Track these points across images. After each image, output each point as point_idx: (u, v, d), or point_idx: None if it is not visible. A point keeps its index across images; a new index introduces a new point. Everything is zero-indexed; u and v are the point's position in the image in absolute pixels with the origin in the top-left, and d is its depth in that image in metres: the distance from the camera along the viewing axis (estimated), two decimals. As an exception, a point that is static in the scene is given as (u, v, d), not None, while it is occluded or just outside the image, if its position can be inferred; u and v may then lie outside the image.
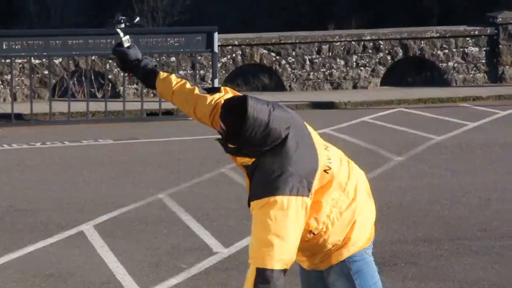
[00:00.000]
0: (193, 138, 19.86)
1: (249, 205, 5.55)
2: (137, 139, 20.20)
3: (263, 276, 5.33)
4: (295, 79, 27.28)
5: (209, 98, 5.98)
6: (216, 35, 23.34)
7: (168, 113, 23.35)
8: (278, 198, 5.33)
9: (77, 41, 23.59)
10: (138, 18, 6.64)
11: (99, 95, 25.01)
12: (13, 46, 22.99)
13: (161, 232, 11.99)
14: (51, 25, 36.65)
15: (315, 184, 5.50)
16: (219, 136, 5.60)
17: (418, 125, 20.83)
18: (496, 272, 10.01)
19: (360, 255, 5.79)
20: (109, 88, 25.28)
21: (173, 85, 6.20)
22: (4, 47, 22.78)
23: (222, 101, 5.75)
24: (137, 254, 10.97)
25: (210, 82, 24.04)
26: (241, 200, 13.57)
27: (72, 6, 40.57)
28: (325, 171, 5.57)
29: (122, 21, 6.42)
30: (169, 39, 23.55)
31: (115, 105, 23.83)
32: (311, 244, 5.68)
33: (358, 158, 6.03)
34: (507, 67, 28.19)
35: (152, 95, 24.32)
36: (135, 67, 6.34)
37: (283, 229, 5.34)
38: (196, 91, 6.10)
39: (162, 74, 6.27)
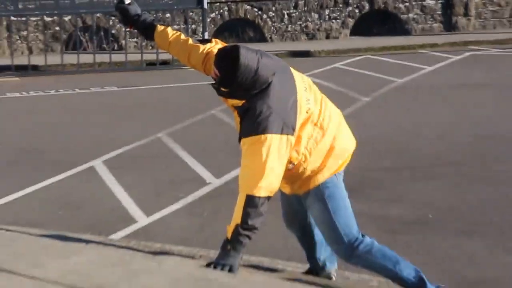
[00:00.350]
0: (186, 85, 19.87)
1: (239, 142, 5.68)
2: (138, 86, 20.21)
3: (251, 202, 5.49)
4: (275, 31, 27.30)
5: (201, 47, 6.07)
6: (205, -7, 23.31)
7: (164, 63, 23.36)
8: (268, 136, 5.45)
9: (83, 0, 23.50)
10: None
11: (107, 46, 24.93)
12: (28, 6, 22.90)
13: (161, 166, 12.05)
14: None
15: (298, 123, 5.61)
16: (212, 82, 5.71)
17: (382, 69, 20.86)
18: (446, 193, 10.11)
19: (332, 182, 5.87)
20: (113, 42, 25.29)
21: (169, 36, 6.24)
22: (20, 6, 22.68)
23: (214, 50, 5.89)
24: (141, 185, 11.00)
25: (201, 35, 24.01)
26: (229, 138, 13.63)
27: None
28: (306, 112, 5.67)
29: None
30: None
31: (118, 57, 23.81)
32: (292, 173, 5.78)
33: (331, 99, 6.09)
34: (459, 17, 28.18)
35: (150, 47, 24.32)
36: (135, 21, 6.36)
37: (270, 162, 5.45)
38: (190, 41, 6.16)
39: (160, 27, 6.31)
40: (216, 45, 6.06)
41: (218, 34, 26.43)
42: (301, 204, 6.09)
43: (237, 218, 5.59)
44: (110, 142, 13.54)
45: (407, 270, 6.02)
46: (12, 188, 10.95)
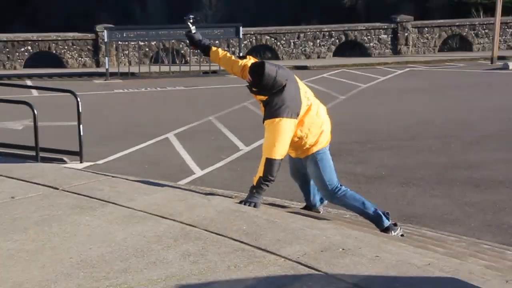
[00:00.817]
0: (228, 86, 19.83)
1: (263, 123, 5.81)
2: (197, 86, 20.15)
3: (269, 162, 5.69)
4: (285, 53, 27.17)
5: (240, 62, 6.24)
6: (241, 28, 23.24)
7: (214, 72, 23.31)
8: (281, 119, 5.63)
9: (163, 32, 23.51)
10: (199, 17, 6.87)
11: (177, 61, 24.96)
12: (129, 35, 23.01)
13: (210, 138, 12.00)
14: (149, 23, 36.31)
15: (301, 112, 5.76)
16: (247, 84, 5.86)
17: (353, 78, 20.72)
18: (393, 158, 10.05)
19: (322, 151, 5.99)
20: (182, 58, 25.28)
21: (219, 54, 6.40)
22: (124, 35, 22.85)
23: (248, 64, 6.05)
24: (198, 150, 10.97)
25: (237, 55, 23.91)
26: (254, 120, 13.60)
27: (161, 12, 40.18)
28: (307, 105, 5.82)
29: (190, 18, 6.69)
30: (215, 30, 23.40)
31: (184, 68, 23.77)
32: (297, 144, 5.91)
33: (320, 97, 6.09)
34: (402, 46, 28.03)
35: (205, 62, 24.23)
36: (198, 44, 6.57)
37: (282, 136, 5.64)
38: (233, 58, 6.32)
39: (213, 48, 6.50)
40: (249, 60, 6.20)
41: (248, 54, 26.35)
42: (302, 163, 6.16)
43: (260, 172, 5.76)
44: (179, 121, 13.48)
45: (370, 208, 6.05)
46: (116, 150, 10.99)
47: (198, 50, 6.80)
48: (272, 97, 5.71)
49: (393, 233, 5.95)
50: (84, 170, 7.92)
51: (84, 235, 4.79)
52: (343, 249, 4.48)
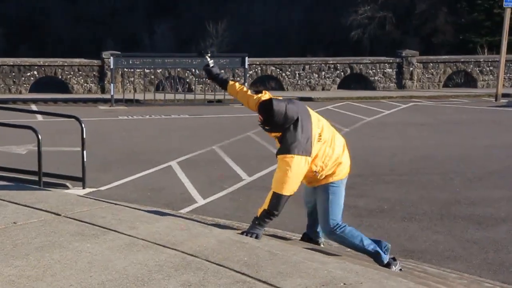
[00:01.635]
0: (232, 115, 19.89)
1: (276, 157, 5.77)
2: (201, 115, 20.18)
3: (277, 197, 5.66)
4: (290, 84, 27.26)
5: (255, 96, 6.16)
6: (246, 58, 23.38)
7: (219, 101, 23.41)
8: (292, 156, 5.59)
9: (169, 60, 23.70)
10: (214, 51, 6.94)
11: (181, 89, 25.08)
12: (135, 62, 23.14)
13: (213, 167, 12.01)
14: (155, 51, 36.59)
15: (314, 150, 5.70)
16: (259, 123, 5.84)
17: (357, 111, 20.77)
18: (395, 192, 10.01)
19: (337, 184, 5.95)
20: (187, 86, 25.38)
21: (237, 88, 6.37)
22: (130, 62, 23.02)
23: (263, 99, 5.96)
24: (200, 178, 10.97)
25: (254, 90, 24.03)
26: (258, 149, 13.67)
27: (168, 40, 40.50)
28: (318, 140, 5.76)
29: (208, 51, 6.74)
30: (221, 60, 23.53)
31: (189, 96, 23.86)
32: (313, 176, 5.87)
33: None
34: (407, 80, 28.11)
35: (210, 90, 24.33)
36: (215, 78, 6.56)
37: (293, 173, 5.59)
38: (249, 92, 6.26)
39: (231, 82, 6.46)
40: (264, 95, 6.11)
41: (253, 84, 26.47)
42: (315, 192, 6.12)
43: (265, 205, 5.72)
44: (182, 150, 13.49)
45: (368, 246, 6.02)
46: (119, 177, 11.00)
47: (215, 83, 6.79)
48: (285, 133, 5.67)
49: (393, 268, 5.92)
50: (86, 197, 7.93)
51: (85, 262, 4.78)
52: (344, 284, 4.47)
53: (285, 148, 5.64)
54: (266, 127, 5.76)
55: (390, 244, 6.17)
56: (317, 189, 6.00)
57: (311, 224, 6.48)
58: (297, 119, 5.65)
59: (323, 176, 5.86)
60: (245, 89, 6.32)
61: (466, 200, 9.60)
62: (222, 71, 6.66)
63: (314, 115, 5.94)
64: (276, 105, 5.62)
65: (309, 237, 6.53)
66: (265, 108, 5.68)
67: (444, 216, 8.80)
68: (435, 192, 10.14)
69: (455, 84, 29.30)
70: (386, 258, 5.97)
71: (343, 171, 5.95)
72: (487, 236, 7.93)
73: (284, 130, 5.66)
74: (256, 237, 5.71)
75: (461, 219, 8.65)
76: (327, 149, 5.81)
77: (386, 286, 4.54)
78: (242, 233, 5.81)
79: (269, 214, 5.71)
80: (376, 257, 5.98)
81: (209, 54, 6.68)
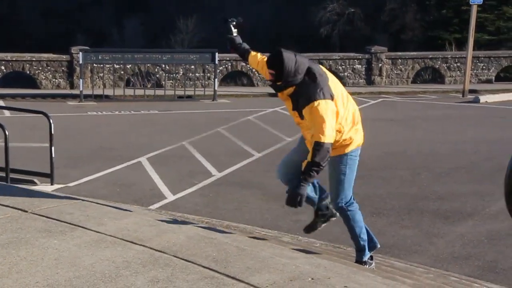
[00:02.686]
0: (202, 111, 19.86)
1: (300, 113, 5.40)
2: (171, 110, 20.11)
3: (318, 145, 5.20)
4: (260, 80, 27.26)
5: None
6: (216, 54, 23.27)
7: (189, 97, 23.37)
8: (318, 101, 5.22)
9: (139, 55, 23.58)
10: (241, 20, 6.46)
11: (149, 85, 24.96)
12: (104, 57, 22.99)
13: (183, 163, 11.98)
14: (125, 46, 36.33)
15: (335, 93, 5.38)
16: (270, 83, 5.54)
17: (327, 107, 20.83)
18: (364, 188, 10.04)
19: (356, 153, 5.68)
20: (155, 82, 25.26)
21: (258, 59, 6.14)
22: (99, 57, 22.83)
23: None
24: (170, 174, 10.94)
25: (212, 81, 23.96)
26: (228, 145, 13.65)
27: (138, 35, 40.25)
28: (339, 95, 5.44)
29: (234, 20, 6.38)
30: (191, 55, 23.47)
31: (159, 92, 23.77)
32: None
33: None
34: (376, 76, 28.35)
35: (180, 86, 24.27)
36: (238, 48, 6.31)
37: (325, 119, 5.21)
38: (265, 59, 5.90)
39: (253, 52, 6.27)
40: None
41: (224, 80, 26.45)
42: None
43: (309, 157, 5.28)
44: (152, 145, 13.44)
45: (363, 238, 5.87)
46: (88, 173, 10.92)
47: (236, 53, 6.46)
48: (300, 85, 5.35)
49: (367, 267, 5.80)
50: (54, 193, 7.85)
51: (52, 259, 4.73)
52: (312, 279, 4.48)
53: (308, 97, 5.29)
54: (278, 80, 5.40)
55: (379, 246, 6.05)
56: (332, 161, 5.58)
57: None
58: (309, 67, 5.38)
59: (341, 141, 5.53)
60: (266, 59, 5.93)
61: (433, 195, 9.69)
62: (244, 42, 6.35)
63: (329, 74, 5.59)
64: (285, 51, 5.37)
65: (322, 212, 6.11)
66: (275, 57, 5.39)
67: (412, 210, 8.87)
68: (403, 187, 10.22)
69: (423, 80, 29.59)
70: (367, 255, 5.86)
71: (360, 139, 5.69)
72: (454, 230, 8.01)
73: (299, 84, 5.35)
74: (300, 199, 5.33)
75: (429, 213, 8.73)
76: (342, 110, 5.48)
77: (354, 280, 4.57)
78: (286, 199, 5.40)
79: (313, 165, 5.25)
80: (360, 251, 5.85)
81: (234, 23, 6.37)
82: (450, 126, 17.28)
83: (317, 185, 6.01)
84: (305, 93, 5.31)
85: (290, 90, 5.41)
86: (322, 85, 5.31)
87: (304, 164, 5.35)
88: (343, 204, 5.69)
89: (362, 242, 5.84)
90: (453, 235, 7.81)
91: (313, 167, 5.25)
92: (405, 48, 32.53)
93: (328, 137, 5.23)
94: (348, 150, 5.58)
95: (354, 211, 5.76)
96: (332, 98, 5.32)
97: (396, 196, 9.66)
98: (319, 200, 6.06)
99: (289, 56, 5.33)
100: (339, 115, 5.42)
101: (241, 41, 6.30)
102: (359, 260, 5.84)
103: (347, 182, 5.65)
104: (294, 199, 5.33)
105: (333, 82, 5.50)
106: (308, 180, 5.33)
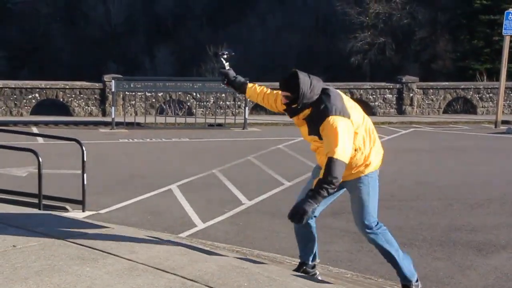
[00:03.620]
0: (233, 139, 19.91)
1: (317, 133, 5.26)
2: (201, 139, 20.19)
3: (330, 162, 5.04)
4: (290, 108, 27.29)
5: (273, 92, 5.83)
6: (247, 82, 23.36)
7: (219, 125, 23.47)
8: (331, 117, 5.13)
9: (170, 83, 23.85)
10: (233, 53, 6.31)
11: (180, 113, 25.16)
12: (136, 85, 23.27)
13: (213, 191, 11.98)
14: (156, 74, 36.74)
15: (354, 118, 5.27)
16: (285, 107, 5.41)
17: (357, 136, 20.77)
18: (395, 218, 9.97)
19: (374, 174, 5.52)
20: (187, 110, 25.44)
21: (257, 90, 6.01)
22: (131, 85, 23.13)
23: (280, 92, 5.55)
24: (200, 202, 10.94)
25: (243, 110, 24.06)
26: (258, 173, 13.66)
27: (168, 63, 40.69)
28: (359, 114, 5.38)
29: (224, 54, 6.20)
30: (221, 83, 23.59)
31: (190, 120, 23.92)
32: (350, 162, 5.34)
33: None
34: (407, 106, 28.19)
35: (211, 115, 24.41)
36: (233, 82, 6.09)
37: (341, 135, 5.09)
38: (268, 91, 5.92)
39: (250, 85, 6.10)
40: (279, 92, 5.69)
41: (253, 108, 26.52)
42: (340, 190, 5.53)
43: (321, 174, 5.13)
44: (182, 173, 13.48)
45: (402, 257, 5.66)
46: (119, 200, 10.97)
47: (232, 88, 6.21)
48: (316, 105, 5.24)
49: None
50: (86, 220, 7.91)
51: (84, 287, 4.76)
52: (344, 310, 4.44)
53: (323, 114, 5.16)
54: (293, 103, 5.27)
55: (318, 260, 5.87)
56: (348, 185, 5.48)
57: (303, 247, 5.91)
58: (324, 88, 5.28)
59: (359, 164, 5.39)
60: (265, 89, 5.96)
61: (466, 227, 9.57)
62: (239, 76, 6.15)
63: (347, 99, 5.48)
64: (301, 73, 5.26)
65: (304, 266, 5.94)
66: (290, 78, 5.28)
67: (444, 242, 8.77)
68: (435, 218, 10.11)
69: (455, 111, 29.39)
70: (414, 275, 5.63)
71: (378, 160, 5.55)
72: (487, 263, 7.90)
73: (314, 103, 5.23)
74: (304, 214, 5.11)
75: (461, 245, 8.62)
76: (361, 129, 5.35)
77: (387, 313, 4.52)
78: (289, 213, 5.18)
79: (326, 182, 5.07)
80: (406, 269, 5.61)
81: (225, 56, 6.19)
82: (482, 157, 17.10)
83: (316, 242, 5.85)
84: (321, 111, 5.20)
85: (306, 112, 5.31)
86: (337, 103, 5.21)
87: (314, 182, 5.19)
88: (371, 226, 5.49)
89: (400, 260, 5.59)
90: (487, 268, 7.70)
91: (324, 184, 5.08)
92: (435, 78, 32.45)
93: (342, 154, 5.08)
94: (367, 171, 5.44)
95: (384, 231, 5.54)
96: (348, 117, 5.21)
97: (428, 227, 9.56)
98: (312, 257, 5.91)
99: (304, 77, 5.25)
100: (358, 135, 5.30)
101: (235, 74, 6.09)
102: (404, 285, 5.63)
103: (371, 204, 5.47)
104: (296, 214, 5.13)
105: (350, 103, 5.39)
106: (316, 198, 5.11)
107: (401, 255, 5.65)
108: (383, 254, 5.73)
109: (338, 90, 5.51)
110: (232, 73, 6.11)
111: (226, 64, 6.16)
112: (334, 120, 5.13)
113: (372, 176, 5.48)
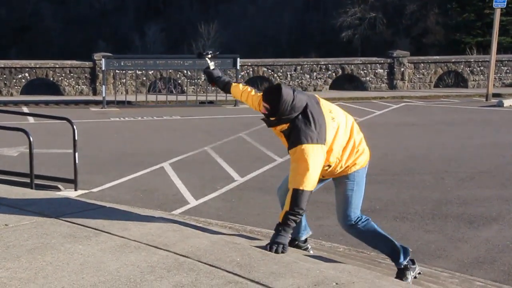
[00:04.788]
0: (224, 117, 19.89)
1: (288, 152, 5.21)
2: (193, 116, 20.17)
3: (297, 194, 5.06)
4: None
5: (259, 94, 5.69)
6: (238, 59, 23.35)
7: (211, 102, 23.43)
8: (307, 145, 5.04)
9: (161, 61, 23.72)
10: (218, 52, 6.30)
11: (174, 91, 25.08)
12: (127, 64, 23.11)
13: (205, 168, 12.00)
14: (147, 52, 36.54)
15: (329, 138, 5.16)
16: (263, 116, 5.34)
17: (349, 112, 20.57)
18: (387, 192, 10.02)
19: (361, 171, 5.45)
20: (179, 88, 25.37)
21: (241, 90, 5.91)
22: (122, 64, 22.97)
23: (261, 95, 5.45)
24: (193, 180, 10.96)
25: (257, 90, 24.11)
26: (250, 150, 13.67)
27: (159, 41, 40.44)
28: (332, 128, 5.21)
29: (208, 53, 6.16)
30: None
31: (181, 97, 23.89)
32: (330, 171, 5.34)
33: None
34: (398, 80, 28.20)
35: (202, 92, 24.36)
36: (217, 81, 6.04)
37: (308, 164, 5.03)
38: (253, 92, 5.82)
39: (234, 84, 6.00)
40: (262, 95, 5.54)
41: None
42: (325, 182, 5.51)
43: (286, 206, 5.14)
44: (174, 151, 13.48)
45: (389, 243, 5.55)
46: (111, 178, 10.98)
47: (216, 87, 6.13)
48: (294, 124, 5.13)
49: (412, 273, 5.51)
50: (78, 198, 7.90)
51: (77, 264, 4.77)
52: (336, 283, 4.46)
53: (297, 138, 5.09)
54: (272, 117, 5.19)
55: (410, 249, 5.69)
56: (335, 180, 5.47)
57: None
58: (306, 106, 5.15)
59: (343, 168, 5.34)
60: (249, 89, 5.88)
61: (457, 200, 9.62)
62: (224, 74, 6.10)
63: (326, 105, 5.40)
64: (285, 89, 5.14)
65: (297, 243, 5.96)
66: (273, 93, 5.16)
67: (435, 215, 8.82)
68: (426, 192, 10.16)
69: (446, 85, 29.41)
70: (403, 260, 5.52)
71: (364, 159, 5.47)
72: (479, 235, 7.95)
73: (292, 121, 5.14)
74: (283, 249, 5.14)
75: (453, 218, 8.67)
76: (342, 137, 5.29)
77: (379, 285, 4.55)
78: (266, 246, 5.23)
79: (291, 214, 5.12)
80: (396, 255, 5.52)
81: (209, 56, 6.14)
82: (474, 130, 17.15)
83: (305, 217, 5.81)
84: (295, 135, 5.11)
85: (284, 127, 5.23)
86: (315, 128, 5.10)
87: (281, 215, 5.18)
88: (353, 222, 5.44)
89: (390, 247, 5.56)
90: (478, 240, 7.75)
91: (290, 216, 5.12)
92: (427, 52, 32.43)
93: (309, 185, 5.06)
94: (352, 170, 5.39)
95: (368, 223, 5.49)
96: (324, 142, 5.11)
97: (420, 200, 9.60)
98: (301, 232, 5.90)
99: (287, 93, 5.12)
100: (336, 149, 5.23)
101: (220, 74, 6.05)
102: (399, 268, 5.54)
103: (355, 200, 5.43)
104: (275, 248, 5.15)
105: (329, 117, 5.27)
106: (287, 231, 5.19)
107: (390, 242, 5.55)
108: (368, 244, 5.74)
109: (322, 102, 5.36)
110: (216, 72, 6.06)
111: (211, 64, 6.09)
112: (306, 149, 5.04)
113: (359, 173, 5.42)
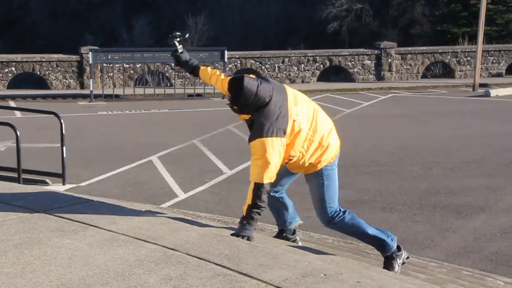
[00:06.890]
0: (212, 109, 19.87)
1: (249, 143, 5.24)
2: (181, 109, 20.15)
3: (257, 187, 5.13)
4: (270, 77, 27.22)
5: (227, 79, 5.53)
6: (226, 52, 23.34)
7: (198, 95, 23.40)
8: (263, 139, 5.06)
9: (148, 54, 23.61)
10: (187, 35, 6.27)
11: (162, 84, 25.03)
12: (114, 57, 23.02)
13: (194, 161, 11.99)
14: (134, 45, 36.39)
15: (288, 130, 5.12)
16: (227, 102, 5.30)
17: (337, 103, 20.80)
18: (375, 183, 10.06)
19: (330, 167, 5.36)
20: (166, 81, 25.32)
21: (209, 73, 5.84)
22: (109, 57, 22.88)
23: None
24: (181, 173, 10.95)
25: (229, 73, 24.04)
26: (238, 142, 13.65)
27: (146, 34, 40.28)
28: (294, 121, 5.16)
29: (177, 36, 6.04)
30: (200, 54, 23.47)
31: (169, 90, 23.83)
32: (295, 163, 5.32)
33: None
34: (386, 72, 28.26)
35: (190, 85, 24.30)
36: (185, 64, 5.97)
37: (270, 158, 5.06)
38: (222, 76, 5.73)
39: (202, 67, 5.92)
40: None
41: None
42: (289, 176, 5.56)
43: (249, 200, 5.21)
44: (162, 144, 13.45)
45: (373, 233, 5.48)
46: (99, 172, 10.94)
47: (185, 72, 6.15)
48: (255, 116, 5.14)
49: (398, 261, 5.47)
50: (66, 193, 7.86)
51: (65, 258, 4.74)
52: (324, 275, 4.46)
53: (257, 131, 5.11)
54: (234, 107, 5.21)
55: (395, 236, 5.64)
56: (306, 177, 5.48)
57: (278, 217, 5.94)
58: (269, 101, 5.11)
59: (310, 163, 5.31)
60: (218, 73, 5.80)
61: (445, 190, 9.65)
62: (193, 58, 6.01)
63: (291, 93, 5.36)
64: (247, 82, 5.09)
65: (285, 235, 5.97)
66: (235, 84, 5.14)
67: (423, 205, 8.84)
68: (414, 182, 10.18)
69: (433, 75, 29.49)
70: (392, 247, 5.48)
71: (331, 155, 5.36)
72: (466, 224, 7.98)
73: (254, 112, 5.14)
74: (248, 239, 5.21)
75: (441, 208, 8.70)
76: (308, 132, 5.26)
77: (366, 276, 4.55)
78: (232, 235, 5.31)
79: (254, 208, 5.19)
80: (380, 245, 5.50)
81: (177, 39, 6.03)
82: (461, 120, 17.21)
83: (293, 207, 5.84)
84: (256, 127, 5.13)
85: (246, 116, 5.23)
86: (275, 121, 5.09)
87: (244, 208, 5.24)
88: (330, 218, 5.41)
89: (375, 237, 5.49)
90: (466, 229, 7.78)
91: (254, 209, 5.19)
92: (414, 43, 32.49)
93: (267, 178, 5.11)
94: (320, 167, 5.34)
95: (345, 216, 5.43)
96: (283, 136, 5.09)
97: (408, 191, 9.63)
98: (288, 222, 5.90)
99: (250, 85, 5.08)
100: (298, 142, 5.20)
101: (188, 57, 5.98)
102: (386, 257, 5.50)
103: (329, 194, 5.37)
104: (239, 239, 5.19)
105: (299, 106, 5.27)
106: (252, 224, 5.25)
107: (370, 231, 5.48)
108: (349, 235, 5.73)
109: (288, 90, 5.33)
110: (185, 56, 5.98)
111: (179, 47, 6.01)
112: (265, 142, 5.05)
113: (328, 169, 5.36)
